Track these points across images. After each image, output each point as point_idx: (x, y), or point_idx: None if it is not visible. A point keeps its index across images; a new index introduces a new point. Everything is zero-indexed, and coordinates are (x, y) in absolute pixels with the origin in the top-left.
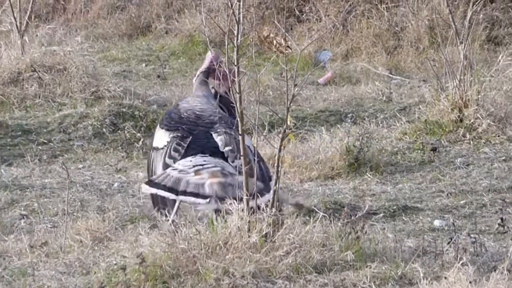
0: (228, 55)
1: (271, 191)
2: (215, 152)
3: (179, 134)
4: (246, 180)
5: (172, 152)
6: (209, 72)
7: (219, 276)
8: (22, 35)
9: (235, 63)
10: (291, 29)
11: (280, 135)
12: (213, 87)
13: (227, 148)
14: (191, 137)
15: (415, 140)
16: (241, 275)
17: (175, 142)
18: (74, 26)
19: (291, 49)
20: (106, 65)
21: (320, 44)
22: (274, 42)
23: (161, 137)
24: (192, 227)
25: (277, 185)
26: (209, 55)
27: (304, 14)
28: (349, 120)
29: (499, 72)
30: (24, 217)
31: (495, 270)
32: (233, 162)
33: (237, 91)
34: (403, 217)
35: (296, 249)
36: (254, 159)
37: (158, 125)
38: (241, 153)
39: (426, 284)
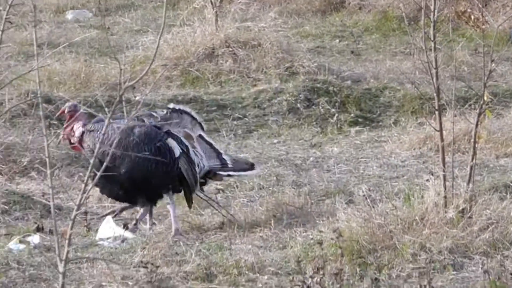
0: (424, 30)
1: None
2: None
3: None
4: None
5: None
6: None
7: (416, 251)
8: (216, 11)
9: (432, 38)
10: (486, 5)
11: (477, 111)
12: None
13: None
14: None
15: None
16: (438, 250)
17: None
18: (267, 2)
19: (488, 24)
20: (299, 41)
21: None
22: (472, 17)
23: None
24: (388, 202)
25: (473, 161)
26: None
27: None
28: None
29: None
30: (220, 191)
31: None
32: None
33: (434, 66)
34: None
35: (493, 225)
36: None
37: None
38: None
39: None
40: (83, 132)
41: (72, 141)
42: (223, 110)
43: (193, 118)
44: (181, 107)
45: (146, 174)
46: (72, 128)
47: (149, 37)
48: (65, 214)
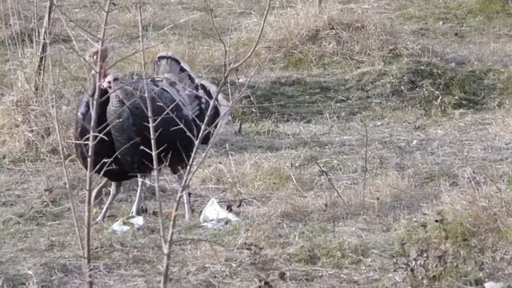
0: None
1: None
2: None
3: None
4: None
5: None
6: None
7: None
8: None
9: None
10: None
11: None
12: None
13: None
14: None
15: None
16: None
17: None
18: None
19: None
20: (403, 23)
21: None
22: None
23: None
24: (492, 184)
25: None
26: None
27: None
28: None
29: None
30: (324, 173)
31: None
32: None
33: None
34: None
35: None
36: None
37: None
38: None
39: None
40: (115, 79)
41: (102, 83)
42: (326, 92)
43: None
44: (170, 54)
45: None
46: (105, 72)
47: (253, 19)
48: (169, 196)
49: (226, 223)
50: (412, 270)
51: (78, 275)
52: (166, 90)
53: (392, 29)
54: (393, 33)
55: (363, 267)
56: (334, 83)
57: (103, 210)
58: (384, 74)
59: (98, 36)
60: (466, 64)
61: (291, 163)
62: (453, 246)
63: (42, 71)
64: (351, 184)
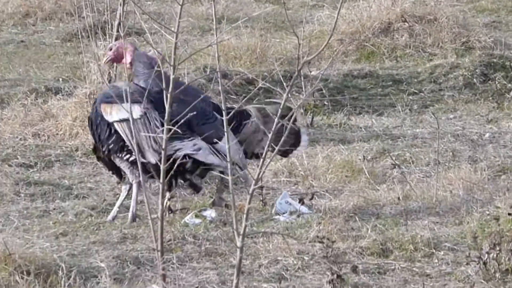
0: None
1: None
2: None
3: None
4: None
5: None
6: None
7: None
8: None
9: None
10: None
11: None
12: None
13: None
14: None
15: None
16: None
17: None
18: None
19: None
20: (475, 16)
21: None
22: None
23: None
24: None
25: None
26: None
27: None
28: None
29: None
30: (396, 166)
31: None
32: None
33: None
34: None
35: None
36: None
37: None
38: None
39: None
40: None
41: (125, 64)
42: (399, 85)
43: None
44: None
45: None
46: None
47: (325, 12)
48: (241, 189)
49: (298, 216)
50: (484, 263)
51: (151, 268)
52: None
53: (465, 22)
54: (466, 26)
55: (436, 261)
56: (406, 76)
57: (114, 209)
58: (456, 67)
59: (172, 28)
60: None
61: (364, 156)
62: None
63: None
64: (423, 177)
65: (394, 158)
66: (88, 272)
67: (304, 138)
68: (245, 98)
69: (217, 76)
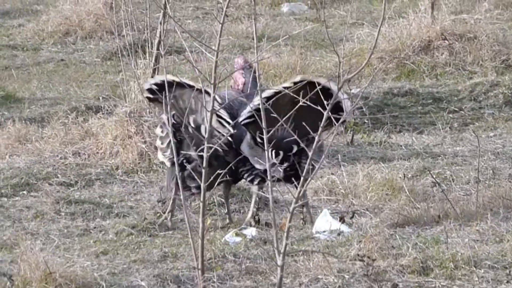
0: None
1: None
2: None
3: None
4: None
5: None
6: None
7: None
8: (432, 2)
9: None
10: None
11: None
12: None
13: None
14: None
15: None
16: None
17: None
18: None
19: None
20: None
21: None
22: None
23: None
24: None
25: None
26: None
27: None
28: None
29: None
30: (436, 184)
31: None
32: None
33: None
34: None
35: None
36: None
37: None
38: None
39: None
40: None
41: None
42: (439, 103)
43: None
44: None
45: None
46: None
47: (365, 30)
48: (281, 207)
49: (339, 234)
50: None
51: (191, 287)
52: None
53: (505, 40)
54: (506, 44)
55: (476, 279)
56: (446, 94)
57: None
58: (496, 84)
59: (213, 47)
60: None
61: (404, 174)
62: None
63: None
64: (463, 195)
65: (434, 176)
66: None
67: (345, 102)
68: (285, 118)
69: (259, 93)
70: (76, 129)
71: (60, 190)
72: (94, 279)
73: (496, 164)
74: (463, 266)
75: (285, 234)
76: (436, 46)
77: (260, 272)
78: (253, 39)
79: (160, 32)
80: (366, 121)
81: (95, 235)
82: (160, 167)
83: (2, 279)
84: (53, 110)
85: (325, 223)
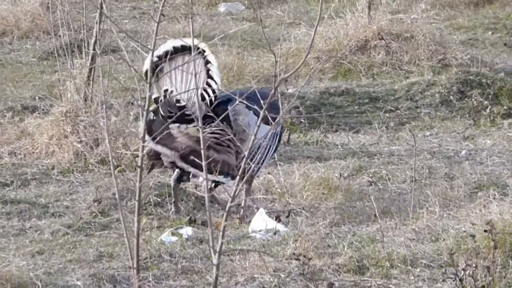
0: None
1: None
2: None
3: None
4: None
5: None
6: None
7: None
8: (369, 2)
9: None
10: None
11: None
12: None
13: None
14: None
15: None
16: None
17: None
18: None
19: None
20: (452, 33)
21: None
22: None
23: None
24: None
25: None
26: None
27: None
28: None
29: None
30: (372, 183)
31: None
32: None
33: None
34: None
35: None
36: None
37: None
38: None
39: None
40: None
41: None
42: (375, 102)
43: None
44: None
45: None
46: None
47: (302, 30)
48: (217, 206)
49: (275, 233)
50: (461, 280)
51: (127, 286)
52: None
53: (441, 39)
54: (442, 43)
55: (412, 278)
56: (383, 93)
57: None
58: (433, 84)
59: (149, 46)
60: None
61: (340, 173)
62: (502, 256)
63: (91, 82)
64: (399, 194)
65: (370, 175)
66: None
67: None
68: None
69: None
70: (12, 128)
71: None
72: (30, 279)
73: (432, 163)
74: (399, 265)
75: (221, 233)
76: (373, 45)
77: (196, 272)
78: (193, 38)
79: (97, 31)
80: (302, 120)
81: (31, 235)
82: (96, 167)
83: None
84: None
85: (261, 222)
